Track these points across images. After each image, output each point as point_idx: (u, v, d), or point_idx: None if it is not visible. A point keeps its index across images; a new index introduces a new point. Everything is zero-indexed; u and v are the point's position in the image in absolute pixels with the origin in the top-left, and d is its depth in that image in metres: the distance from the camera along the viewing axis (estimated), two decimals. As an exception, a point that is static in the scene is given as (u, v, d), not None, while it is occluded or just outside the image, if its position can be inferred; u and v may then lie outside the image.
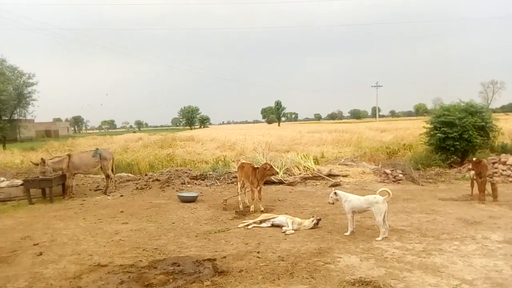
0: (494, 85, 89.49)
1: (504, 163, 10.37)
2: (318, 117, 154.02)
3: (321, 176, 11.18)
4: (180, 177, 11.46)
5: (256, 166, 8.11)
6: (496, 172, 10.12)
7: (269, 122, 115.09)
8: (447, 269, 4.32)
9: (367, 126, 42.77)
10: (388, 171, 11.02)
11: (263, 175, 7.74)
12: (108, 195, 9.96)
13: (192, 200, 8.84)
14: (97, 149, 10.81)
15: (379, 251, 4.99)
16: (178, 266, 4.71)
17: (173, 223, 6.95)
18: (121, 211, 8.01)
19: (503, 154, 11.71)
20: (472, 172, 8.07)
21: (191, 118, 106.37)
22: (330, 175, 11.32)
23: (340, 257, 4.81)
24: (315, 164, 12.56)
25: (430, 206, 7.53)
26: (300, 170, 11.68)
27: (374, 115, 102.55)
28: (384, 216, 5.57)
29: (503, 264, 4.39)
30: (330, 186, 10.26)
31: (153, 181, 11.21)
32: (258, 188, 7.80)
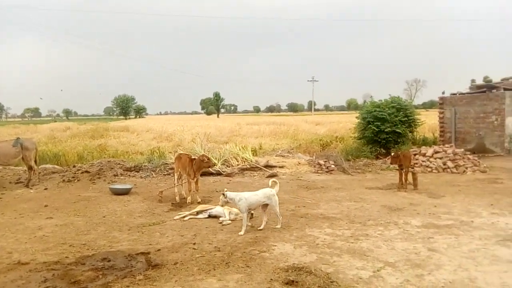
0: (417, 83, 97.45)
1: (424, 155, 11.32)
2: (257, 110, 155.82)
3: (258, 167, 11.34)
4: (112, 168, 10.91)
5: (193, 157, 7.99)
6: (417, 163, 11.01)
7: (208, 113, 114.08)
8: (372, 253, 4.62)
9: (303, 119, 44.28)
10: (321, 162, 11.48)
11: (200, 167, 7.65)
12: (31, 188, 9.19)
13: (125, 192, 8.48)
14: (18, 138, 9.91)
15: (311, 238, 5.19)
16: (109, 261, 4.50)
17: (104, 216, 6.62)
18: (45, 205, 7.44)
19: (423, 147, 12.79)
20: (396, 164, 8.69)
21: (126, 107, 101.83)
22: (267, 166, 11.52)
23: (275, 246, 4.93)
24: (253, 155, 12.70)
25: (358, 194, 8.00)
26: (238, 161, 11.73)
27: (310, 108, 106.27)
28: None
29: (421, 247, 4.80)
30: (267, 177, 10.45)
31: (82, 173, 10.55)
32: (195, 179, 7.70)
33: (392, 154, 8.80)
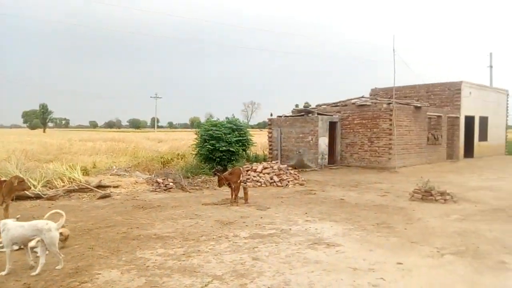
0: (253, 105, 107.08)
1: (255, 170, 12.35)
2: (94, 125, 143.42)
3: (89, 188, 10.37)
4: None
5: (3, 179, 6.78)
6: (249, 178, 11.93)
7: (32, 127, 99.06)
8: (202, 268, 4.72)
9: (145, 136, 42.85)
10: (160, 180, 11.28)
11: (10, 190, 6.50)
12: None
13: None
14: None
15: (141, 261, 4.98)
16: None
17: None
18: None
19: (255, 163, 13.99)
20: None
21: None
22: (100, 187, 10.63)
23: (100, 274, 4.53)
24: (84, 175, 11.57)
25: (194, 211, 8.13)
26: (64, 182, 10.49)
27: (153, 125, 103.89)
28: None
29: (246, 257, 5.15)
30: (98, 198, 9.64)
31: None
32: (4, 205, 6.51)
33: (218, 177, 9.28)
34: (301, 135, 16.85)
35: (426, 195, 9.06)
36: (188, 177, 12.63)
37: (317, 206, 8.67)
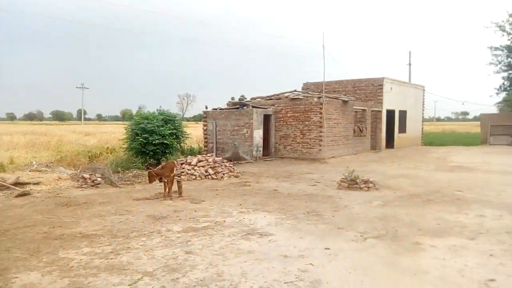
0: (188, 98, 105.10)
1: (189, 164, 12.17)
2: (11, 117, 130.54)
3: (5, 186, 9.46)
4: None
5: None
6: (183, 172, 11.72)
7: None
8: (132, 266, 4.56)
9: (71, 129, 40.02)
10: (86, 175, 10.63)
11: None
12: None
13: None
14: None
15: (65, 261, 4.67)
16: None
17: None
18: None
19: (190, 156, 13.78)
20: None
21: None
22: (18, 184, 9.76)
23: (17, 277, 4.18)
24: (-2, 171, 10.53)
25: (124, 207, 7.81)
26: (-26, 180, 9.44)
27: (80, 117, 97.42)
28: None
29: (179, 251, 5.08)
30: (16, 196, 8.84)
31: None
32: None
33: (148, 174, 9.00)
34: (236, 128, 16.94)
35: (352, 183, 9.64)
36: (118, 172, 12.08)
37: (251, 197, 8.80)
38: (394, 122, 23.71)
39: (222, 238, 5.68)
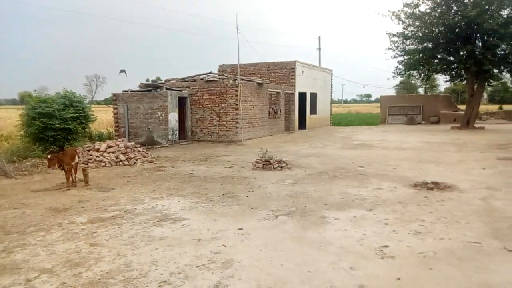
0: (97, 79, 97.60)
1: (97, 150, 11.38)
2: None
3: None
4: None
5: None
6: (90, 159, 10.94)
7: None
8: (27, 264, 4.14)
9: (-46, 115, 34.68)
10: (-28, 167, 9.34)
11: None
12: None
13: None
14: None
15: None
16: None
17: None
18: None
19: (98, 142, 12.89)
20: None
21: None
22: None
23: None
24: None
25: (20, 199, 7.04)
26: None
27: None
28: None
29: (83, 244, 4.74)
30: None
31: None
32: None
33: (49, 156, 8.17)
34: (150, 111, 16.24)
35: (266, 164, 9.93)
36: (14, 162, 10.84)
37: (166, 182, 8.57)
38: (306, 104, 24.88)
39: (132, 226, 5.44)
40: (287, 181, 8.54)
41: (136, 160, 11.39)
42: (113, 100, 17.33)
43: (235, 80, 17.11)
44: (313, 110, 26.07)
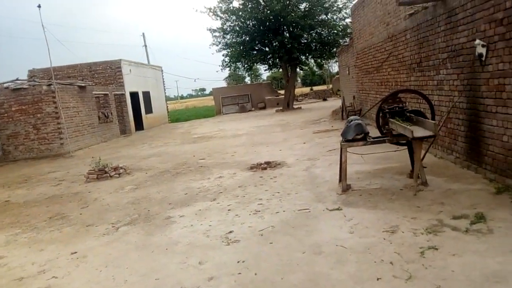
0: None
1: None
2: None
3: None
4: None
5: None
6: None
7: None
8: None
9: None
10: None
11: None
12: None
13: None
14: None
15: None
16: None
17: None
18: None
19: None
20: None
21: None
22: None
23: None
24: None
25: None
26: None
27: None
28: None
29: None
30: None
31: None
32: None
33: None
34: None
35: (101, 173, 9.06)
36: None
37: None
38: (140, 103, 23.87)
39: None
40: (126, 187, 7.97)
41: None
42: None
43: (49, 85, 15.01)
44: (149, 109, 25.23)
